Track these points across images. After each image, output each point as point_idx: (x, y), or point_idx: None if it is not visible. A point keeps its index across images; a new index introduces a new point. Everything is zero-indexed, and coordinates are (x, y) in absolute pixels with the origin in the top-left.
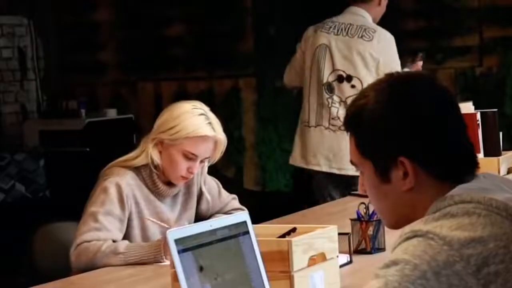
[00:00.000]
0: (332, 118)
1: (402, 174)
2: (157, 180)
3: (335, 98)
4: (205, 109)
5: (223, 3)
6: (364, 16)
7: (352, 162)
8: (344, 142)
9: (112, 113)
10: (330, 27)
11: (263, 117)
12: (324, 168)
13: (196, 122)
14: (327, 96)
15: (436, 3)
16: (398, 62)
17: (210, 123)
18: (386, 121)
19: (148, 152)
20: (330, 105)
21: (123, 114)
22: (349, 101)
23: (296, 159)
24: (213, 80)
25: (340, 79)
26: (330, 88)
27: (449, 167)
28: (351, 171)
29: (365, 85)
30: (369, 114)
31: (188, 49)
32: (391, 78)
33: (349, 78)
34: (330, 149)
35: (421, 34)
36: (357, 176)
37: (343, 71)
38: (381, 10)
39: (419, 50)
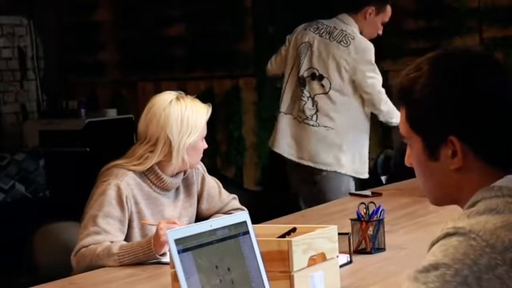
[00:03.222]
0: (299, 110)
1: (451, 153)
2: (162, 174)
3: (305, 92)
4: (175, 92)
5: (223, 3)
6: (348, 24)
7: (401, 134)
8: (305, 134)
9: (112, 113)
10: (317, 28)
11: (263, 117)
12: (285, 154)
13: (198, 109)
14: (299, 89)
15: (436, 3)
16: (373, 70)
17: (198, 101)
18: (438, 98)
19: (150, 158)
20: (300, 98)
21: (123, 114)
22: (316, 98)
23: (271, 141)
24: (213, 80)
25: (313, 76)
26: (303, 83)
27: (500, 152)
28: (307, 161)
29: (333, 87)
30: (421, 88)
31: (188, 49)
32: (447, 53)
33: (320, 77)
34: (293, 137)
35: (421, 34)
36: (314, 168)
37: (317, 70)
38: (368, 25)
39: (420, 51)
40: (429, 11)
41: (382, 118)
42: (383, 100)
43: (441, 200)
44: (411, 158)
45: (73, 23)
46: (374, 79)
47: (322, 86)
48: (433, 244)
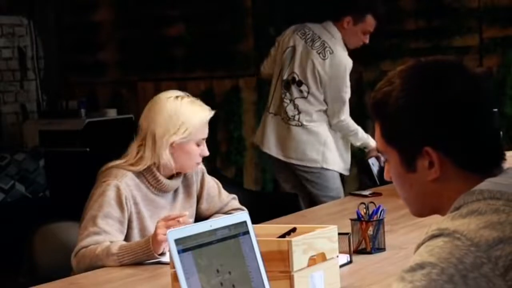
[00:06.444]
0: (284, 111)
1: (428, 164)
2: (159, 176)
3: (287, 95)
4: (182, 92)
5: (223, 3)
6: (333, 34)
7: (377, 149)
8: (289, 133)
9: (112, 113)
10: (305, 33)
11: None
12: (273, 153)
13: (195, 110)
14: (283, 91)
15: (436, 3)
16: (344, 84)
17: (200, 104)
18: (411, 110)
19: (145, 157)
20: (284, 100)
21: (123, 114)
22: (296, 102)
23: (257, 138)
24: (213, 80)
25: (293, 80)
26: (287, 86)
27: (477, 158)
28: (295, 160)
29: (311, 93)
30: (394, 102)
31: (188, 49)
32: (418, 64)
33: (299, 83)
34: (279, 137)
35: (421, 34)
36: (301, 166)
37: (297, 75)
38: (348, 34)
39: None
40: (429, 11)
41: (341, 129)
42: (343, 110)
43: (422, 210)
44: (389, 172)
45: (73, 23)
46: (345, 93)
47: (301, 91)
48: (418, 246)
